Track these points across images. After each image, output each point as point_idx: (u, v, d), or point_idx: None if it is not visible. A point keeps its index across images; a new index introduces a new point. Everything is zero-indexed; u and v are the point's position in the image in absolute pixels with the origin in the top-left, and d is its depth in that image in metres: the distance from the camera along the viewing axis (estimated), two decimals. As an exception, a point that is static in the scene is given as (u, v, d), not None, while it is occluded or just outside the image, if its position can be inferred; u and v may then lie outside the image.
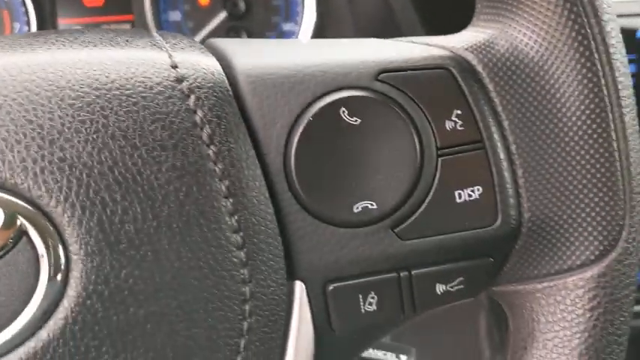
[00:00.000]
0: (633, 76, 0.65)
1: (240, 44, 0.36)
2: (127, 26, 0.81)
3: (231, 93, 0.32)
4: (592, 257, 0.34)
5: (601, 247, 0.34)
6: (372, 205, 0.33)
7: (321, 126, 0.32)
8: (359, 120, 0.33)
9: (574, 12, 0.33)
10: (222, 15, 0.80)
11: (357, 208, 0.33)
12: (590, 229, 0.34)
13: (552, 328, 0.35)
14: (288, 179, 0.32)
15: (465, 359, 0.92)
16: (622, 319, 0.34)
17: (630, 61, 0.63)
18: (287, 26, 0.82)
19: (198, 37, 0.81)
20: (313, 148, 0.32)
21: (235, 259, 0.31)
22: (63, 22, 0.81)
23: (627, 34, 0.65)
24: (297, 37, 0.82)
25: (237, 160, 0.31)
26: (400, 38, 0.37)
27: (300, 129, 0.32)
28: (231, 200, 0.30)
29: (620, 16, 0.36)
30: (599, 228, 0.34)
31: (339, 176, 0.33)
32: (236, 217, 0.30)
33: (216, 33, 0.80)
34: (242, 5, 0.80)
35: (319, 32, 0.81)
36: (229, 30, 0.81)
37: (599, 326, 0.34)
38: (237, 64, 0.33)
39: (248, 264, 0.31)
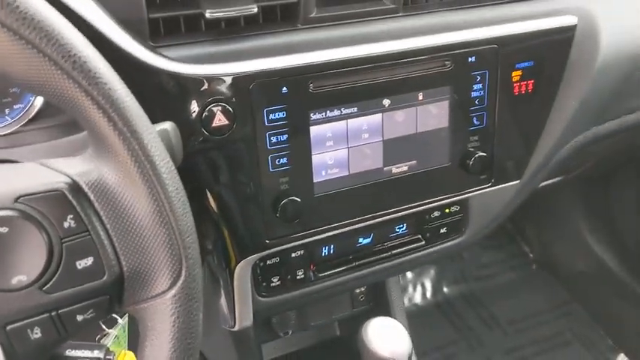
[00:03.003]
0: (284, 127, 0.89)
1: None
2: None
3: None
4: (167, 286, 0.58)
5: (171, 280, 0.58)
6: (23, 277, 0.54)
7: None
8: (7, 229, 0.54)
9: (135, 156, 0.55)
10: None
11: (14, 280, 0.54)
12: (163, 271, 0.58)
13: (154, 330, 0.59)
14: None
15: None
16: (190, 319, 0.59)
17: (278, 110, 0.87)
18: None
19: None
20: None
21: None
22: None
23: (273, 88, 0.87)
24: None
25: None
26: (40, 161, 0.58)
27: None
28: None
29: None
30: (168, 270, 0.58)
31: None
32: None
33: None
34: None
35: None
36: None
37: (177, 326, 0.59)
38: None
39: None
